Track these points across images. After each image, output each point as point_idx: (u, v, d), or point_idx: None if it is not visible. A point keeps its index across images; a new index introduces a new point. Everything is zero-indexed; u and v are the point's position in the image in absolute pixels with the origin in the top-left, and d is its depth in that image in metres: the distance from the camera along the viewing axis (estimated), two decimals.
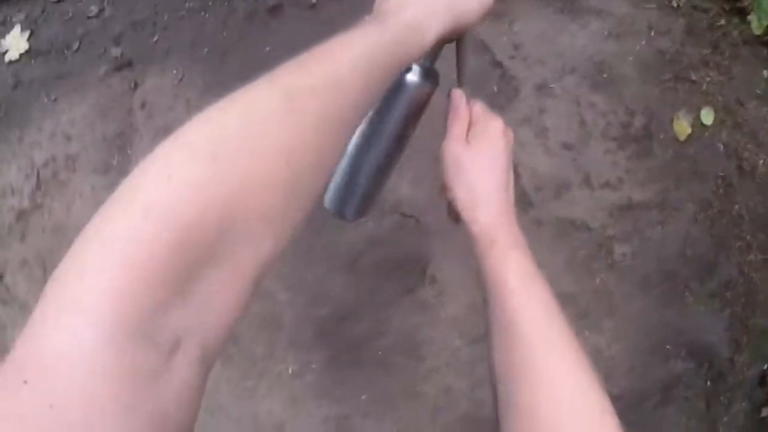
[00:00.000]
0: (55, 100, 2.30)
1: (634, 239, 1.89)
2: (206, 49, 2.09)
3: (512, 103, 1.94)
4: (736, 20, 2.03)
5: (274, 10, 2.07)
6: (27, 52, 2.51)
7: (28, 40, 2.54)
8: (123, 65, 2.20)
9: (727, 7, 2.04)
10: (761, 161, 1.98)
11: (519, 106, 1.94)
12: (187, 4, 2.20)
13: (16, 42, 2.57)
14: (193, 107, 2.02)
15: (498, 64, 1.96)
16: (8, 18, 2.66)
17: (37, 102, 2.35)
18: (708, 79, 1.99)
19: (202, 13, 2.16)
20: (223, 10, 2.14)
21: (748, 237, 1.93)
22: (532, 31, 1.98)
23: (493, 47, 1.98)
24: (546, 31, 1.98)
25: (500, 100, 1.94)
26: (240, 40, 2.06)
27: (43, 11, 2.59)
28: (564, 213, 1.90)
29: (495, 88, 1.94)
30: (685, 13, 2.02)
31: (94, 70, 2.25)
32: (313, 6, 2.07)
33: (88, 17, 2.42)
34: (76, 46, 2.37)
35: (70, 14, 2.47)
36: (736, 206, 1.93)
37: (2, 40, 2.62)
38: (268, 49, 2.04)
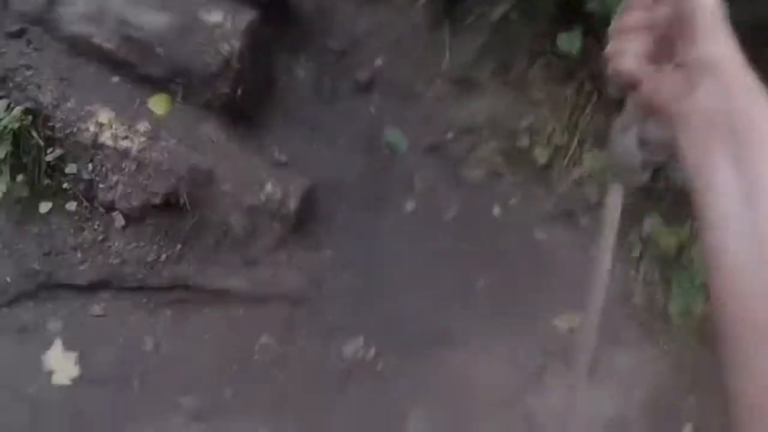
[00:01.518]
0: None
1: None
2: (287, 414, 2.26)
3: None
4: None
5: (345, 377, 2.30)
6: (79, 377, 2.53)
7: (77, 364, 2.56)
8: (198, 417, 2.32)
9: None
10: None
11: None
12: (255, 356, 2.35)
13: (62, 363, 2.58)
14: None
15: None
16: (41, 322, 2.64)
17: None
18: None
19: (276, 370, 2.32)
20: (298, 368, 2.31)
21: None
22: None
23: None
24: None
25: None
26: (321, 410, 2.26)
27: (82, 324, 2.61)
28: None
29: None
30: None
31: (166, 418, 2.35)
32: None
33: (143, 350, 2.49)
34: (136, 382, 2.45)
35: (121, 342, 2.52)
36: None
37: (42, 356, 2.61)
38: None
